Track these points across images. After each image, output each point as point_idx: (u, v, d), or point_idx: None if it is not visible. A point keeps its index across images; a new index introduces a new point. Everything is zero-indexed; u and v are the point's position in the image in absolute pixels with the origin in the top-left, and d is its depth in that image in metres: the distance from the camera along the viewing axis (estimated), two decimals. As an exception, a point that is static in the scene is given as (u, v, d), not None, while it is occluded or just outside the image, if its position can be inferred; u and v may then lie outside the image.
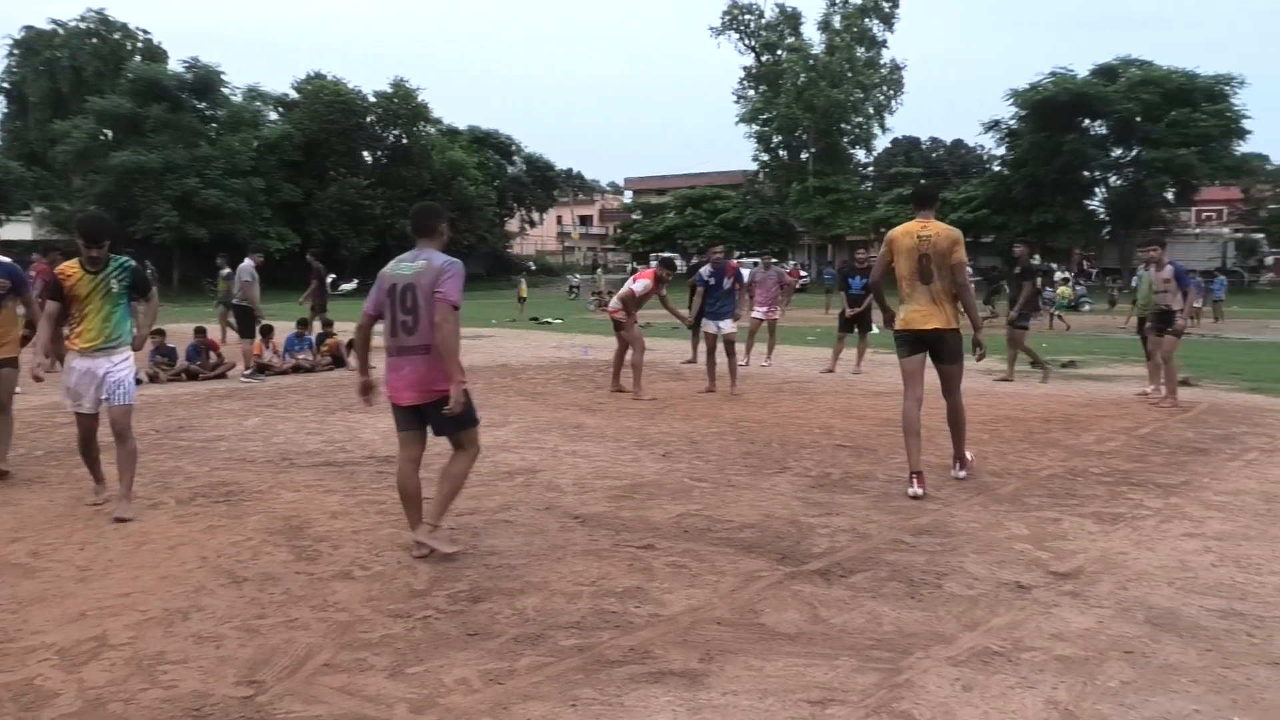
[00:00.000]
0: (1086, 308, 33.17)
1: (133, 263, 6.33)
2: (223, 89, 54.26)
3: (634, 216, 73.43)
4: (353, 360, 13.76)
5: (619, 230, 74.02)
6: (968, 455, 7.35)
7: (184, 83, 51.83)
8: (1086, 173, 55.21)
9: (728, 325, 11.93)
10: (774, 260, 17.26)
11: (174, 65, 54.27)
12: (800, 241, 66.27)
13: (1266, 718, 3.36)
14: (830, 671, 3.72)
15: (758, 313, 15.51)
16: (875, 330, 15.13)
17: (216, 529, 5.75)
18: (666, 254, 12.61)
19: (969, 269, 7.21)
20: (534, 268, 69.54)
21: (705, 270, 12.42)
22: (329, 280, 19.51)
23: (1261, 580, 4.84)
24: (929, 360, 7.03)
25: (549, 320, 28.69)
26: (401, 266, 5.17)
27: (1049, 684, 3.62)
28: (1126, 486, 6.91)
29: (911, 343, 7.02)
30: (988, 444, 8.47)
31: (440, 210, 5.43)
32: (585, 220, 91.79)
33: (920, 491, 6.67)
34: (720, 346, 11.98)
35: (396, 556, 5.14)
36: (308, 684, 3.62)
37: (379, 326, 5.31)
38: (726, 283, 12.19)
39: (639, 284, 11.89)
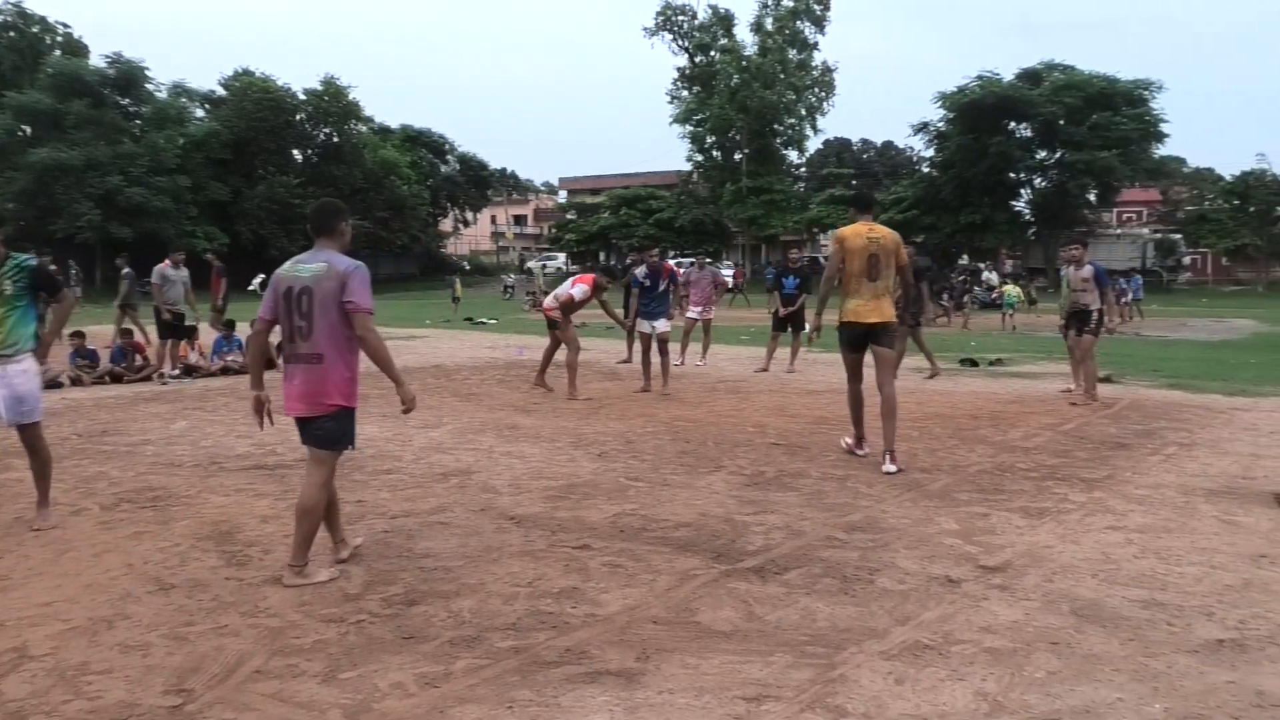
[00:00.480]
0: (1015, 307, 33.80)
1: (33, 261, 5.83)
2: (147, 85, 53.06)
3: (569, 216, 73.29)
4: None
5: (554, 230, 73.82)
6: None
7: (106, 78, 50.62)
8: (1012, 174, 56.40)
9: (662, 325, 12.08)
10: (708, 260, 17.38)
11: (96, 60, 52.96)
12: (734, 241, 66.70)
13: (1186, 704, 3.46)
14: (765, 668, 3.75)
15: (692, 312, 15.57)
16: (805, 327, 15.28)
17: (143, 535, 5.62)
18: (606, 264, 12.77)
19: None
20: (469, 267, 69.09)
21: (640, 272, 12.57)
22: (258, 280, 19.11)
23: (1181, 571, 4.99)
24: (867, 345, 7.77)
25: (484, 321, 28.51)
26: (299, 268, 4.83)
27: (978, 676, 3.69)
28: (1052, 481, 7.07)
29: (856, 337, 7.73)
30: (918, 441, 8.61)
31: (342, 208, 5.09)
32: (520, 220, 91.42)
33: (867, 452, 7.78)
34: (654, 346, 12.08)
35: (329, 560, 5.07)
36: (238, 691, 3.56)
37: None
38: (661, 284, 12.35)
39: (578, 289, 11.92)
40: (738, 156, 62.63)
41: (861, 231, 7.65)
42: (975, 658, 3.86)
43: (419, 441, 8.54)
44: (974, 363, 15.55)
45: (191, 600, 4.52)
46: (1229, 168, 63.46)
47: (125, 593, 4.63)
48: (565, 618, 4.29)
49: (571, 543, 5.45)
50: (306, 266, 4.81)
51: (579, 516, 6.03)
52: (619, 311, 13.22)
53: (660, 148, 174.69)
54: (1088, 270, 11.28)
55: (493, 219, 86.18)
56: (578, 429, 9.26)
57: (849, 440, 8.14)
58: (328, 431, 4.81)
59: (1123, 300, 30.58)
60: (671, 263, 13.58)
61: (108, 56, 51.56)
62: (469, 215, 77.28)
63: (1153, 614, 4.36)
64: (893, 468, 7.36)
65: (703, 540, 5.50)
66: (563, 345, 11.93)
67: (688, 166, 67.40)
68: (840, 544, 5.44)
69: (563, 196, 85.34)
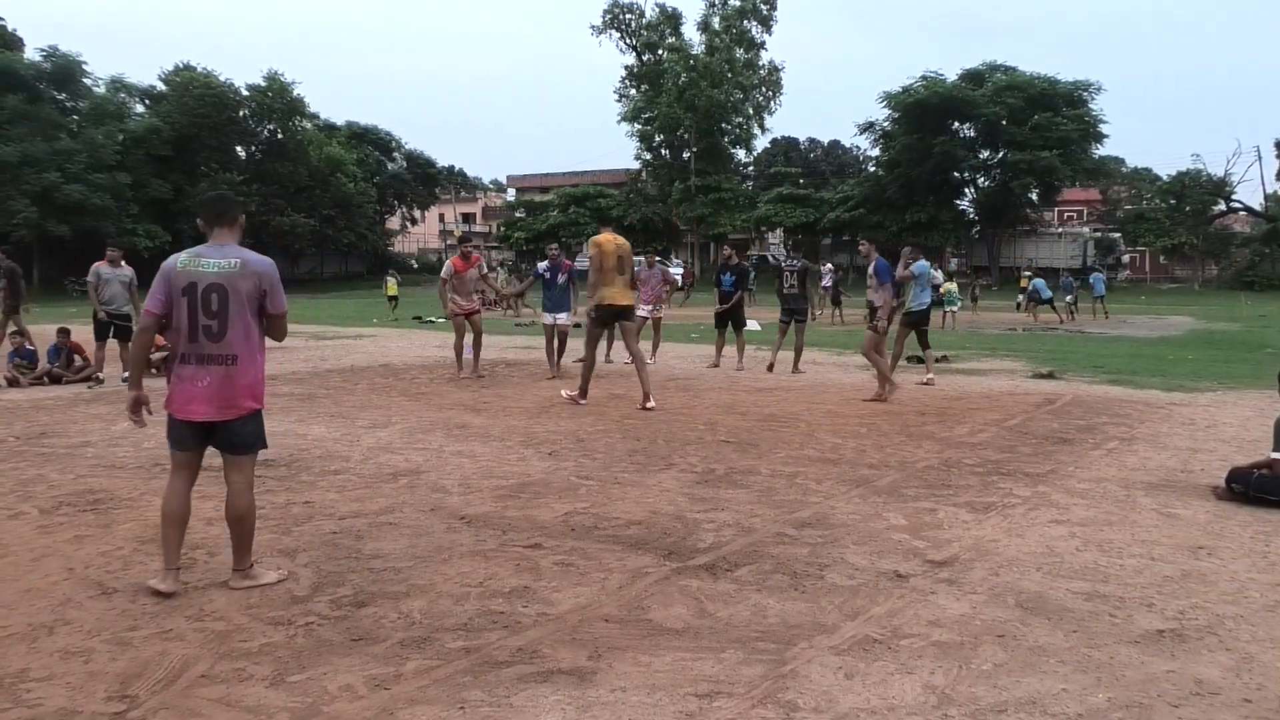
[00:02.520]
0: (957, 305, 34.22)
1: None
2: (84, 79, 52.08)
3: (517, 214, 73.03)
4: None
5: (502, 228, 73.53)
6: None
7: (41, 72, 49.57)
8: (956, 173, 57.22)
9: (564, 318, 13.74)
10: (658, 258, 17.43)
11: (30, 54, 51.76)
12: (684, 240, 66.87)
13: (1128, 694, 3.53)
14: (717, 664, 3.77)
15: (642, 311, 15.58)
16: (756, 327, 15.36)
17: (84, 539, 5.51)
18: (470, 243, 14.47)
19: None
20: (416, 265, 68.56)
21: (542, 265, 14.03)
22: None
23: (1122, 563, 5.09)
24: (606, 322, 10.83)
25: (432, 319, 28.29)
26: (204, 263, 4.53)
27: (927, 669, 3.74)
28: (997, 476, 7.17)
29: (609, 316, 10.63)
30: (866, 437, 8.70)
31: (239, 199, 4.97)
32: (468, 218, 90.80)
33: (586, 402, 10.47)
34: (556, 336, 13.61)
35: (276, 562, 5.00)
36: (184, 697, 3.50)
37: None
38: (561, 279, 13.75)
39: (444, 269, 13.46)
40: (686, 155, 62.79)
41: (610, 239, 10.54)
42: (923, 651, 3.91)
43: (367, 441, 8.46)
44: (920, 360, 15.69)
45: (135, 605, 4.43)
46: (1166, 168, 64.90)
47: (66, 598, 4.53)
48: (517, 617, 4.28)
49: (522, 542, 5.43)
50: (214, 261, 4.55)
51: (530, 515, 6.01)
52: (508, 290, 15.59)
53: (609, 146, 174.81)
54: (871, 266, 11.56)
55: (441, 217, 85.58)
56: (528, 428, 9.23)
57: (573, 393, 10.67)
58: (245, 435, 4.64)
59: (1068, 299, 31.08)
60: (569, 261, 14.54)
61: (43, 50, 50.54)
62: (417, 213, 76.73)
63: (1095, 606, 4.44)
64: (652, 404, 10.22)
65: (654, 538, 5.51)
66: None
67: (636, 165, 67.48)
68: (790, 540, 5.47)
69: (511, 195, 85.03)
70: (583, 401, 10.53)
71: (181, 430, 4.63)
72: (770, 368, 14.16)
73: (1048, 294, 29.67)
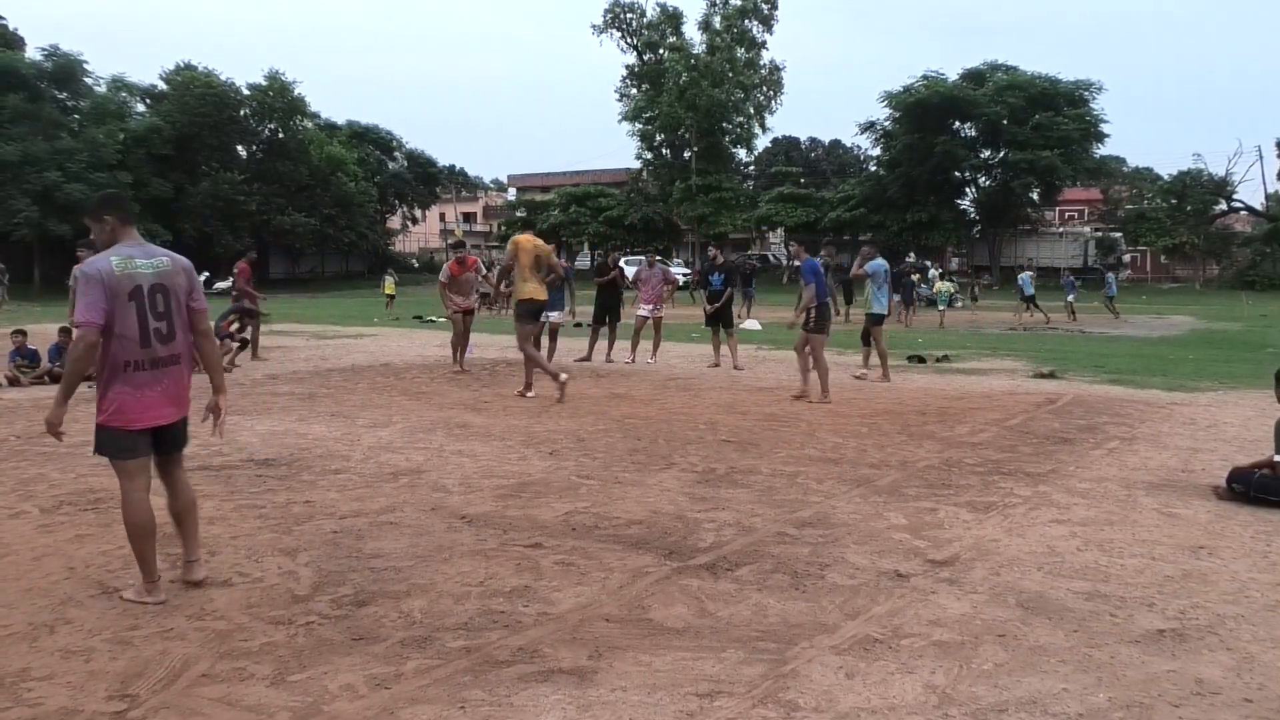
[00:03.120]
0: (959, 304, 34.25)
1: None
2: (85, 79, 52.08)
3: (518, 214, 72.98)
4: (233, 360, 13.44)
5: (503, 227, 73.50)
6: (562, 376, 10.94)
7: (43, 71, 49.57)
8: (957, 173, 57.18)
9: (555, 316, 14.07)
10: (659, 258, 17.43)
11: (31, 53, 51.76)
12: (684, 239, 66.87)
13: (1129, 694, 3.53)
14: (718, 664, 3.77)
15: (643, 310, 15.60)
16: (756, 326, 15.36)
17: (85, 538, 5.51)
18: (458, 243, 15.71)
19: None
20: (416, 264, 68.57)
21: None
22: (202, 278, 18.30)
23: (1123, 563, 5.09)
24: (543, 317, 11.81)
25: (433, 319, 28.28)
26: (138, 264, 4.35)
27: (927, 668, 3.74)
28: (998, 476, 7.17)
29: (535, 311, 11.36)
30: (867, 437, 8.70)
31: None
32: (469, 217, 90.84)
33: (529, 395, 11.14)
34: (547, 332, 13.85)
35: (277, 562, 5.01)
36: (185, 696, 3.50)
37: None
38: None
39: (442, 273, 14.40)
40: (687, 154, 62.74)
41: (530, 240, 11.35)
42: (924, 651, 3.91)
43: (368, 441, 8.46)
44: (921, 359, 15.72)
45: (135, 604, 4.43)
46: (1167, 168, 64.91)
47: (67, 597, 4.53)
48: (517, 617, 4.28)
49: (523, 541, 5.43)
50: (146, 261, 4.40)
51: (531, 515, 6.01)
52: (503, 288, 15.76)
53: (610, 145, 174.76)
54: (800, 266, 11.72)
55: (441, 216, 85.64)
56: (529, 427, 9.22)
57: (524, 389, 11.24)
58: (184, 431, 4.69)
59: (1070, 298, 31.11)
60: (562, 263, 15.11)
61: (44, 49, 50.54)
62: (417, 213, 76.73)
63: (1096, 605, 4.44)
64: (532, 394, 11.14)
65: (654, 538, 5.51)
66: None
67: (637, 164, 67.44)
68: (791, 540, 5.47)
69: (512, 194, 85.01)
70: (530, 394, 11.16)
71: (135, 439, 4.46)
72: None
73: (1030, 290, 29.68)
